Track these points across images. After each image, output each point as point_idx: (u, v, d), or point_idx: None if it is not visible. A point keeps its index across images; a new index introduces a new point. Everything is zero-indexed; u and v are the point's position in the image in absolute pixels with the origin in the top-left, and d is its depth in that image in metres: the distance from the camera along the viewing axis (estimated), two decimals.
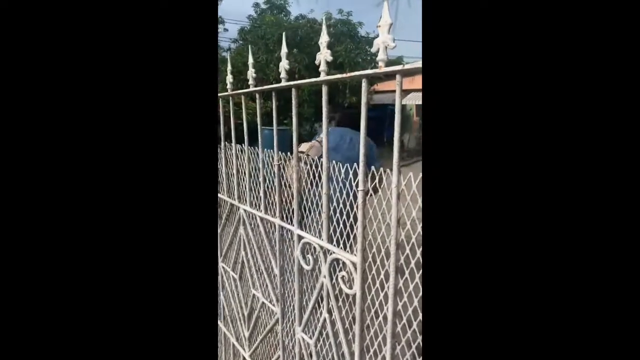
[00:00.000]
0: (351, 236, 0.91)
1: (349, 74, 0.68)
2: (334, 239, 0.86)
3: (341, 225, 0.94)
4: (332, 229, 0.83)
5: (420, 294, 0.66)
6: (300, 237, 0.91)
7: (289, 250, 1.07)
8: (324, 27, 0.73)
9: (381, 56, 0.61)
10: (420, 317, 0.65)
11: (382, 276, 0.78)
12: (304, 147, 2.03)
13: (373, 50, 0.63)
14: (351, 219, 0.85)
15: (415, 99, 10.30)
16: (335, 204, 0.91)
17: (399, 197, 0.63)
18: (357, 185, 0.71)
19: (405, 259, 0.67)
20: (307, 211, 1.08)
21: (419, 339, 0.68)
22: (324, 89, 0.75)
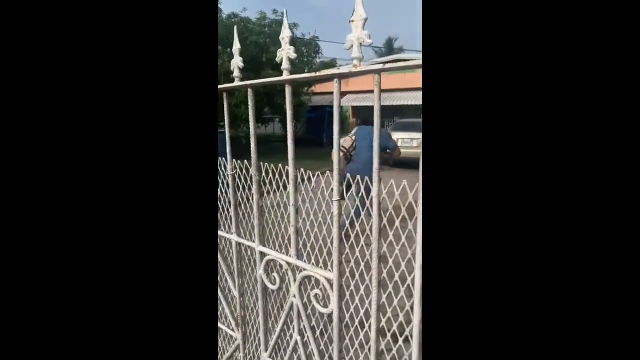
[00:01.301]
0: (324, 251, 0.84)
1: (318, 73, 0.62)
2: (304, 255, 0.78)
3: (312, 239, 0.87)
4: (301, 243, 0.75)
5: (406, 307, 0.62)
6: (262, 254, 0.82)
7: (249, 268, 0.96)
8: (285, 21, 0.65)
9: (356, 54, 0.56)
10: (406, 332, 0.62)
11: (361, 292, 0.73)
12: (346, 142, 2.43)
13: (346, 47, 0.57)
14: (324, 232, 0.78)
15: (350, 101, 10.57)
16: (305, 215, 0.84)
17: (379, 205, 0.58)
18: (330, 195, 0.65)
19: (388, 272, 0.63)
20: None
21: (406, 355, 0.64)
22: (287, 89, 0.67)
